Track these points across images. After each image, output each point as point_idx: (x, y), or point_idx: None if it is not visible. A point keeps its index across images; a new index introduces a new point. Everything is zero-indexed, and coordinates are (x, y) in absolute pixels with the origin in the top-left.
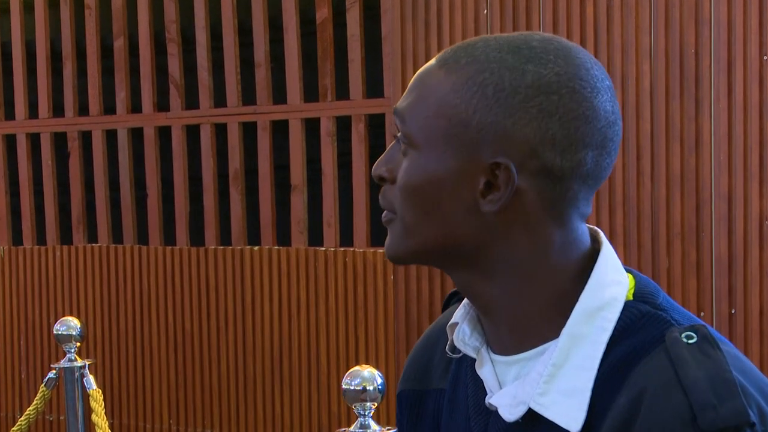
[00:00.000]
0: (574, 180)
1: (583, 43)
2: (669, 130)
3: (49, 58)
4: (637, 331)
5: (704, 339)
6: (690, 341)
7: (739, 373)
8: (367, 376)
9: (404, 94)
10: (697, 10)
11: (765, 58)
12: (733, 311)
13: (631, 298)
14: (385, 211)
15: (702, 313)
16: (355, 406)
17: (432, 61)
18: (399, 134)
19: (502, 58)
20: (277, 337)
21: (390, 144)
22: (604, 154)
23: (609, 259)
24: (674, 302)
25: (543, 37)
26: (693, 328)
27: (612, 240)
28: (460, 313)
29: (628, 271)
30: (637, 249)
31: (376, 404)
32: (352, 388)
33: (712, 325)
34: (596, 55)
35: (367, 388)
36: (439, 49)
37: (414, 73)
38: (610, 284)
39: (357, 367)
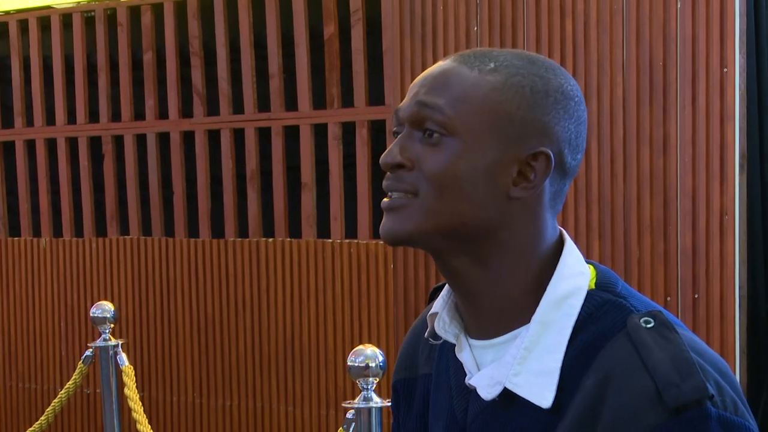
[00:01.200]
0: (570, 178)
1: (562, 56)
2: (639, 134)
3: (85, 70)
4: (600, 317)
5: (662, 324)
6: (648, 326)
7: (695, 353)
8: (369, 354)
9: (424, 88)
10: (665, 27)
11: (725, 70)
12: (696, 296)
13: (593, 287)
14: (393, 194)
15: (669, 298)
16: (358, 381)
17: (452, 63)
18: (428, 125)
19: (525, 66)
20: (288, 320)
21: (394, 139)
22: (581, 158)
23: (572, 252)
24: (632, 290)
25: (540, 56)
26: (651, 314)
27: (588, 233)
28: (440, 303)
29: (589, 262)
30: (611, 241)
31: (377, 379)
32: (356, 365)
33: (678, 309)
34: (574, 67)
35: (370, 365)
36: (435, 61)
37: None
38: (575, 275)
39: (360, 346)
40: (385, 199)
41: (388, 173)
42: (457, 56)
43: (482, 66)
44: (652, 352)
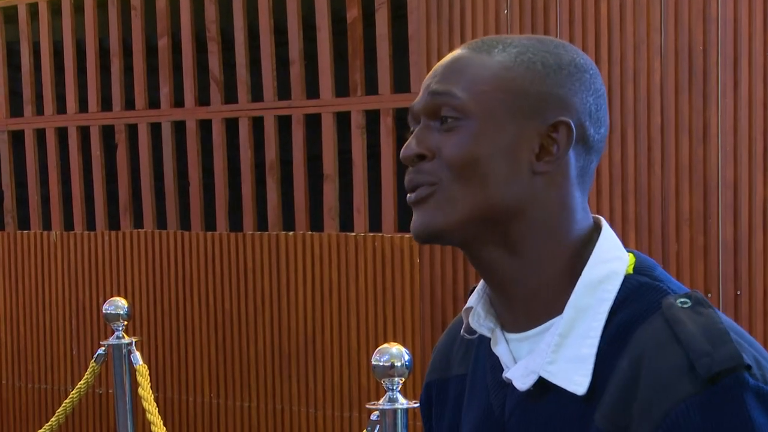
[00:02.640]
0: (595, 153)
1: (597, 40)
2: (678, 122)
3: (97, 56)
4: (636, 300)
5: (697, 302)
6: (685, 306)
7: (733, 330)
8: (395, 353)
9: (436, 78)
10: (705, 9)
11: None
12: (738, 292)
13: (631, 272)
14: (420, 188)
15: (709, 294)
16: (383, 381)
17: (461, 51)
18: (443, 112)
19: (534, 45)
20: (310, 317)
21: (415, 131)
22: (606, 133)
23: (609, 237)
24: (671, 276)
25: (549, 36)
26: (687, 295)
27: (624, 226)
28: (474, 297)
29: (629, 251)
30: (648, 234)
31: (403, 379)
32: (381, 364)
33: (718, 306)
34: (609, 51)
35: (395, 364)
36: None
37: None
38: (611, 259)
39: (385, 345)
40: (409, 194)
41: (410, 168)
42: (466, 45)
43: (490, 49)
44: (684, 326)
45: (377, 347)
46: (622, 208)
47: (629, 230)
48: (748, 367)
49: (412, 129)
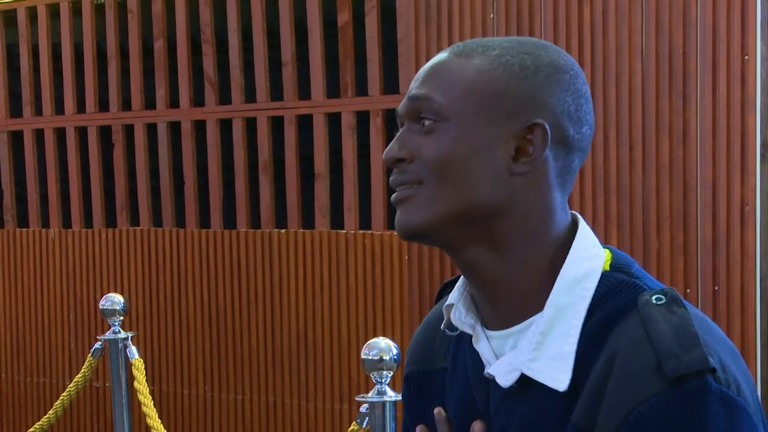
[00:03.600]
0: (577, 152)
1: (580, 43)
2: (659, 123)
3: (95, 58)
4: (614, 298)
5: (672, 300)
6: (659, 302)
7: (704, 330)
8: (383, 347)
9: (417, 83)
10: (685, 14)
11: (746, 58)
12: (716, 288)
13: (608, 269)
14: (403, 187)
15: (688, 291)
16: (372, 374)
17: (442, 55)
18: (422, 115)
19: (514, 47)
20: (302, 312)
21: (398, 135)
22: (591, 134)
23: (587, 235)
24: (647, 273)
25: (533, 38)
26: (662, 291)
27: (607, 224)
28: (455, 295)
29: (605, 247)
30: (629, 232)
31: (392, 372)
32: (370, 357)
33: (697, 302)
34: (592, 55)
35: (384, 358)
36: None
37: None
38: (589, 257)
39: (374, 339)
40: (393, 195)
41: (394, 169)
42: (448, 49)
43: (470, 53)
44: (657, 324)
45: (367, 341)
46: (604, 207)
47: (611, 228)
48: (713, 371)
49: (399, 127)
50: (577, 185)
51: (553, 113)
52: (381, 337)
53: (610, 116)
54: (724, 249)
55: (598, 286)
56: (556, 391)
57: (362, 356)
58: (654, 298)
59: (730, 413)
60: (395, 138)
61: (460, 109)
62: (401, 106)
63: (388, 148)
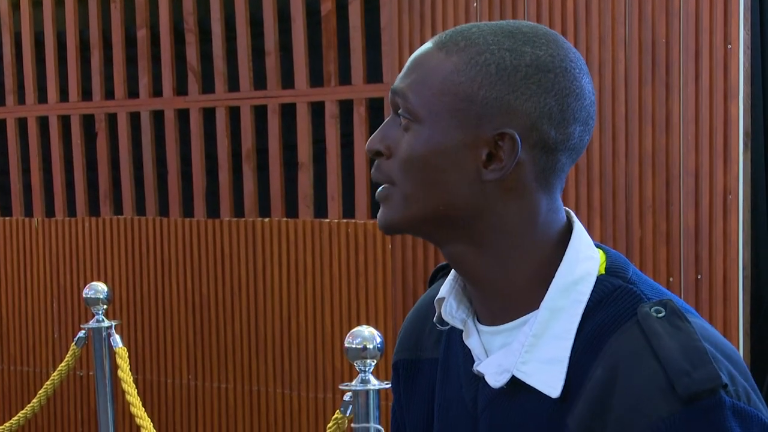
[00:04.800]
0: (563, 152)
1: (563, 32)
2: (642, 112)
3: (78, 47)
4: (610, 304)
5: (672, 312)
6: (659, 315)
7: (707, 342)
8: (367, 335)
9: (401, 74)
10: (668, 3)
11: (729, 47)
12: (699, 277)
13: (603, 272)
14: (381, 186)
15: (671, 279)
16: (356, 363)
17: (428, 45)
18: (400, 111)
19: (499, 41)
20: (285, 301)
21: (383, 123)
22: (587, 130)
23: (581, 236)
24: (643, 275)
25: (531, 25)
26: (661, 303)
27: (589, 212)
28: (446, 287)
29: (598, 246)
30: (612, 220)
31: (375, 361)
32: (353, 346)
33: (680, 290)
34: (576, 43)
35: (368, 346)
36: None
37: None
38: (584, 259)
39: (358, 328)
40: (377, 191)
41: (374, 161)
42: (438, 36)
43: (451, 45)
44: (662, 340)
45: (350, 330)
46: (587, 195)
47: (594, 217)
48: (725, 386)
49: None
50: None
51: (529, 117)
52: (364, 326)
53: None
54: (707, 237)
55: (593, 291)
56: (547, 396)
57: (346, 345)
58: (653, 309)
59: (745, 425)
60: (380, 127)
61: (431, 111)
62: (393, 87)
63: (371, 136)
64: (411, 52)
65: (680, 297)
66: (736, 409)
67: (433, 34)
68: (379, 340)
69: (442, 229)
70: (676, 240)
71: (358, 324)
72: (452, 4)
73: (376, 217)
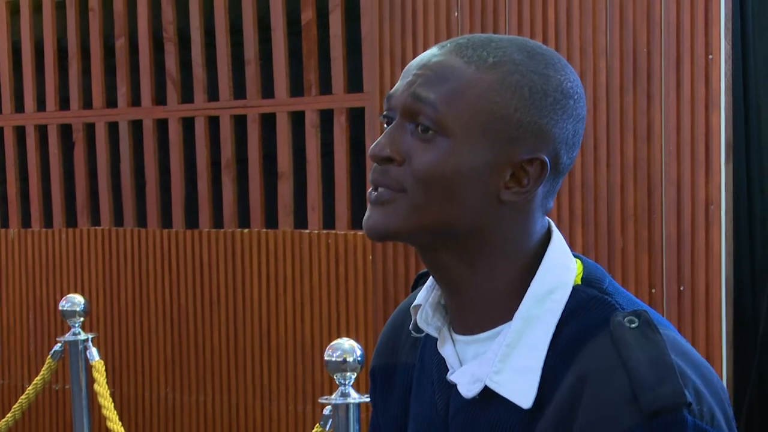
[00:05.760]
0: (563, 175)
1: (545, 41)
2: (623, 121)
3: (56, 56)
4: (584, 314)
5: (645, 323)
6: (632, 325)
7: (678, 356)
8: (347, 348)
9: (421, 80)
10: (649, 13)
11: (710, 56)
12: (681, 288)
13: (579, 282)
14: (380, 189)
15: (653, 290)
16: (336, 376)
17: (449, 55)
18: (421, 120)
19: (525, 62)
20: (265, 312)
21: (386, 129)
22: (577, 154)
23: (559, 246)
24: (620, 287)
25: (540, 45)
26: (635, 313)
27: (571, 221)
28: (423, 295)
29: (576, 257)
30: (594, 229)
31: (355, 374)
32: (333, 359)
33: (662, 302)
34: (557, 52)
35: (348, 359)
36: (415, 48)
37: (391, 70)
38: (560, 269)
39: (338, 340)
40: (371, 191)
41: (376, 165)
42: (455, 46)
43: (480, 61)
44: (632, 352)
45: (331, 342)
46: (569, 204)
47: (576, 225)
48: (689, 405)
49: (385, 114)
50: None
51: (554, 143)
52: (345, 338)
53: None
54: (689, 248)
55: (568, 301)
56: (518, 406)
57: (326, 358)
58: (626, 320)
59: None
60: (385, 132)
61: (463, 126)
62: (399, 94)
63: (377, 142)
64: (392, 61)
65: (663, 309)
66: (698, 429)
67: (415, 43)
68: (359, 352)
69: (438, 239)
70: (658, 250)
71: (339, 336)
72: (433, 14)
73: (356, 228)
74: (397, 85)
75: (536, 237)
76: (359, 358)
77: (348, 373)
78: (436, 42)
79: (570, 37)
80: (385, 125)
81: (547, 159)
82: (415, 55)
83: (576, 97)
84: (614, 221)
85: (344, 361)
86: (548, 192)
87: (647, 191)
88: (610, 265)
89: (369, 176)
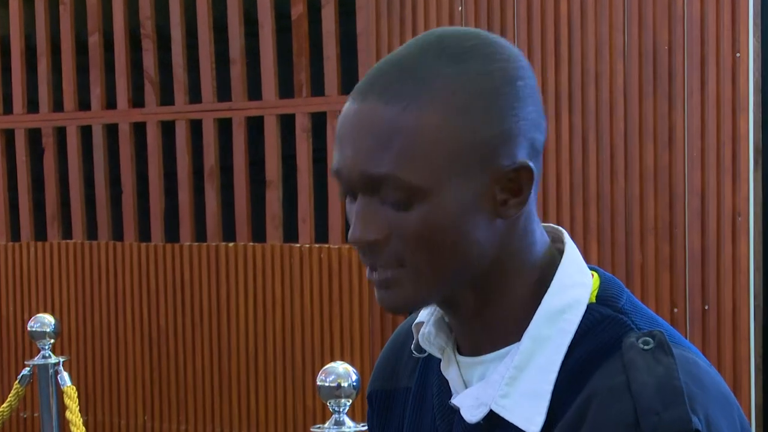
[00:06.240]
0: (540, 154)
1: (556, 40)
2: (642, 126)
3: (23, 54)
4: (597, 335)
5: (660, 345)
6: (646, 347)
7: (692, 380)
8: (342, 372)
9: (363, 155)
10: (670, 8)
11: (737, 55)
12: (706, 307)
13: (593, 300)
14: (379, 269)
15: (675, 309)
16: (329, 403)
17: (372, 105)
18: (388, 194)
19: (456, 70)
20: (252, 334)
21: (351, 205)
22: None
23: (573, 259)
24: (638, 303)
25: (466, 33)
26: (650, 334)
27: (586, 236)
28: (426, 311)
29: (592, 269)
30: (610, 245)
31: (350, 400)
32: (326, 384)
33: (685, 321)
34: (570, 52)
35: (342, 384)
36: None
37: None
38: (573, 286)
39: (332, 364)
40: (370, 272)
41: (363, 249)
42: (373, 91)
43: (409, 100)
44: (639, 374)
45: (323, 366)
46: (583, 217)
47: (591, 240)
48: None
49: (344, 191)
50: (553, 193)
51: (525, 136)
52: (339, 362)
53: (589, 119)
54: (714, 263)
55: (582, 320)
56: (525, 431)
57: (318, 383)
58: (641, 341)
59: None
60: (355, 215)
61: (434, 179)
62: (346, 172)
63: (352, 228)
64: None
65: (686, 328)
66: None
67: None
68: (354, 377)
69: (458, 285)
70: (681, 266)
71: (332, 359)
72: (435, 8)
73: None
74: (336, 156)
75: (541, 246)
76: (355, 383)
77: (342, 400)
78: None
79: (584, 35)
80: (347, 199)
81: (527, 161)
82: None
83: (521, 72)
84: (633, 235)
85: (338, 386)
86: (536, 185)
87: (669, 202)
88: (629, 283)
89: (359, 256)
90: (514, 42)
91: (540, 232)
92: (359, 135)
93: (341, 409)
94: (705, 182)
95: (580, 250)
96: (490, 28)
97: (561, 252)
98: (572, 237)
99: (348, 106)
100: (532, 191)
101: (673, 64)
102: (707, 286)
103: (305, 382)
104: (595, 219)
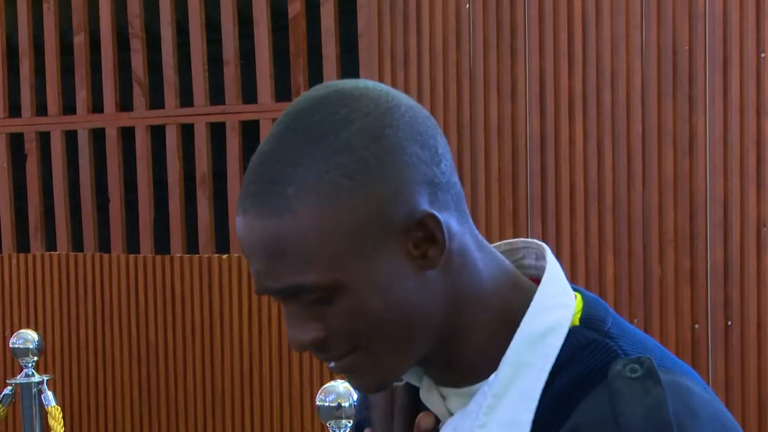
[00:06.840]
0: (448, 183)
1: (570, 38)
2: (661, 131)
3: (4, 55)
4: (582, 361)
5: (648, 373)
6: (633, 375)
7: (684, 409)
8: (342, 392)
9: (262, 274)
10: (691, 4)
11: (762, 55)
12: (729, 323)
13: (577, 323)
14: (338, 360)
15: (697, 326)
16: (329, 424)
17: (253, 221)
18: (305, 299)
19: (323, 150)
20: (246, 350)
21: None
22: (444, 142)
23: (554, 278)
24: (625, 325)
25: (315, 104)
26: (638, 361)
27: (601, 247)
28: None
29: (575, 289)
30: (627, 257)
31: (351, 422)
32: (326, 404)
33: (707, 338)
34: (584, 51)
35: (342, 404)
36: (419, 46)
37: (392, 71)
38: (555, 307)
39: (332, 382)
40: (328, 363)
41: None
42: (249, 208)
43: (281, 209)
44: (626, 406)
45: (323, 384)
46: (599, 228)
47: (607, 252)
48: None
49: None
50: (566, 202)
51: (416, 180)
52: (339, 381)
53: (605, 122)
54: (737, 277)
55: (564, 345)
56: None
57: (317, 403)
58: (628, 369)
59: None
60: (289, 321)
61: (344, 270)
62: (260, 284)
63: (290, 335)
64: (392, 61)
65: (707, 346)
66: None
67: (419, 40)
68: (355, 397)
69: (415, 355)
70: (702, 280)
71: (332, 378)
72: (441, 6)
73: None
74: (251, 266)
75: (493, 270)
76: (355, 403)
77: (343, 421)
78: (443, 40)
79: (599, 33)
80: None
81: (426, 207)
82: (419, 54)
83: (386, 120)
84: (651, 247)
85: (339, 406)
86: (457, 214)
87: (689, 212)
88: (647, 297)
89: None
90: (525, 42)
91: (488, 257)
92: (255, 253)
93: (342, 431)
94: (728, 190)
95: (595, 263)
96: (499, 28)
97: (539, 269)
98: (587, 249)
99: (238, 218)
100: (453, 223)
101: (693, 64)
102: (730, 301)
103: (303, 402)
104: (611, 229)
